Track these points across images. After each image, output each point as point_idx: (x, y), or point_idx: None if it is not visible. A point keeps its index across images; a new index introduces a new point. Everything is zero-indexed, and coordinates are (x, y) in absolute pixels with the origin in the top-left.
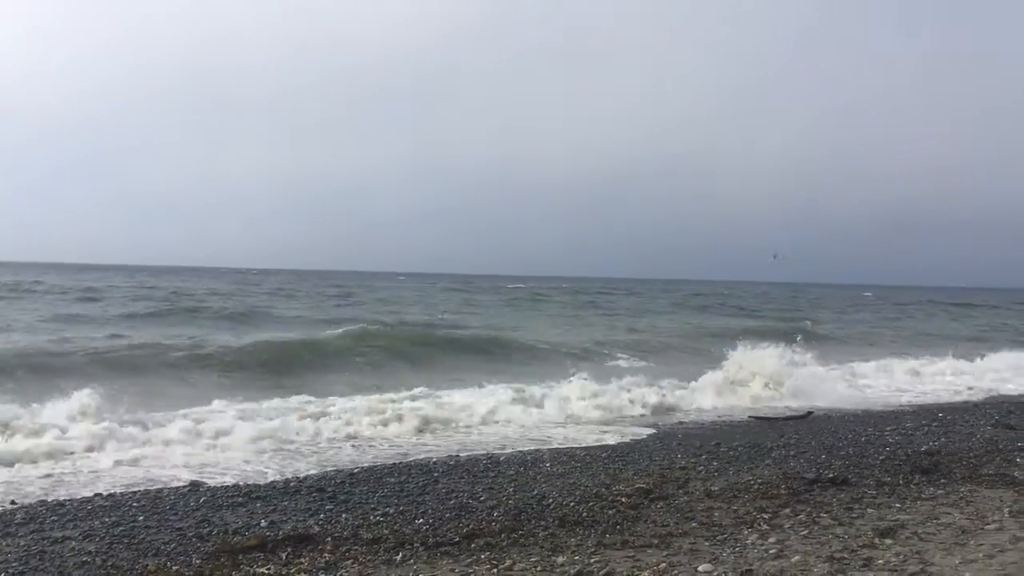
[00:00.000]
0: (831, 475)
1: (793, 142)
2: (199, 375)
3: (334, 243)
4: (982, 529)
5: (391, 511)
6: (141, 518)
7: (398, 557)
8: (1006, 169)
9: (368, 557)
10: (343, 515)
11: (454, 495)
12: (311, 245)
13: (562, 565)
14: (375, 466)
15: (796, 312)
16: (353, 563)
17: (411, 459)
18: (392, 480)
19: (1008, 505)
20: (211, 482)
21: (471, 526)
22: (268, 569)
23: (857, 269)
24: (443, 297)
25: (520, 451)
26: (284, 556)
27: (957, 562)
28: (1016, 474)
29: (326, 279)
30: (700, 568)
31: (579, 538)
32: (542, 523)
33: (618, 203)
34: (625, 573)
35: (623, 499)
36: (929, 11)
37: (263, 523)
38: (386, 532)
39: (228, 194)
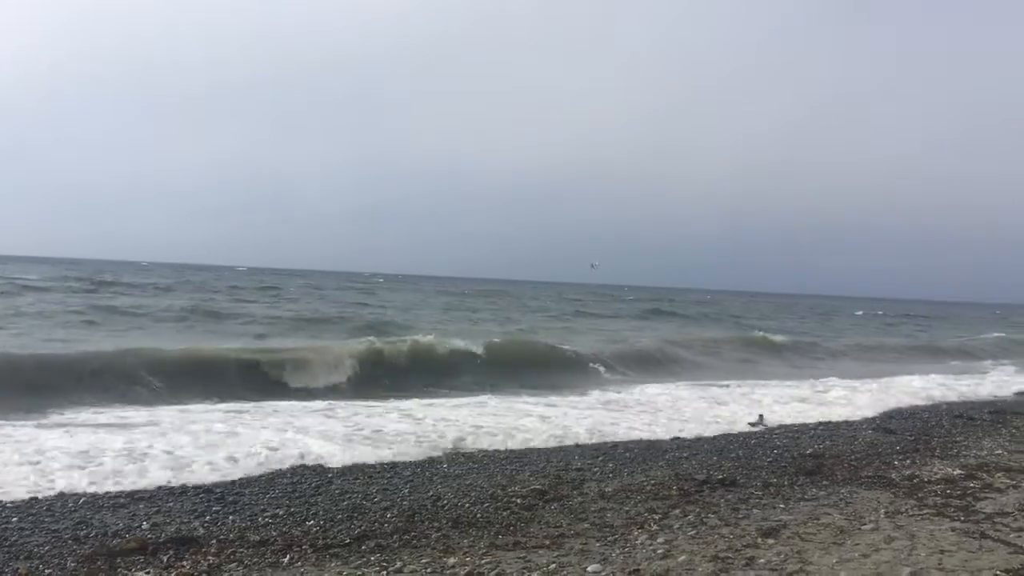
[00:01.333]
0: (720, 476)
1: (736, 148)
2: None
3: (266, 241)
4: (859, 529)
5: (281, 512)
6: (15, 519)
7: (285, 559)
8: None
9: (254, 560)
10: (231, 517)
11: (347, 496)
12: (240, 243)
13: (453, 567)
14: (269, 469)
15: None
16: (238, 566)
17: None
18: (284, 481)
19: (884, 506)
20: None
21: (363, 527)
22: (147, 573)
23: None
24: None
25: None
26: (165, 559)
27: (834, 561)
28: (893, 476)
29: (252, 276)
30: (589, 568)
31: (472, 539)
32: (435, 524)
33: (556, 206)
34: (515, 574)
35: (518, 500)
36: (894, 10)
37: (145, 525)
38: (274, 534)
39: (157, 188)
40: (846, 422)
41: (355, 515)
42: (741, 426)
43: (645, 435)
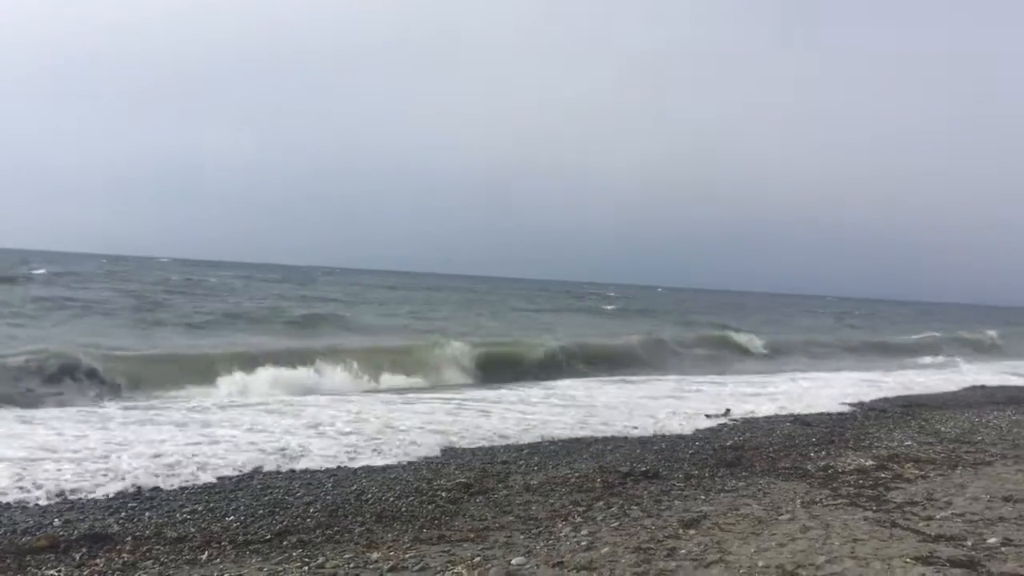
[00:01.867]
0: (644, 468)
1: (659, 149)
2: None
3: (188, 232)
4: (776, 519)
5: (200, 508)
6: None
7: (203, 556)
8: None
9: (171, 557)
10: (147, 513)
11: (269, 491)
12: (158, 234)
13: (376, 561)
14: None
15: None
16: (154, 563)
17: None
18: (205, 477)
19: (800, 496)
20: None
21: (285, 523)
22: (59, 571)
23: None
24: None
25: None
26: (78, 557)
27: (752, 551)
28: (809, 467)
29: (181, 268)
30: (513, 561)
31: (396, 533)
32: (359, 519)
33: (504, 200)
34: (439, 567)
35: (443, 494)
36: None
37: (57, 522)
38: (192, 530)
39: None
40: (765, 417)
41: (277, 510)
42: (673, 421)
43: (579, 431)
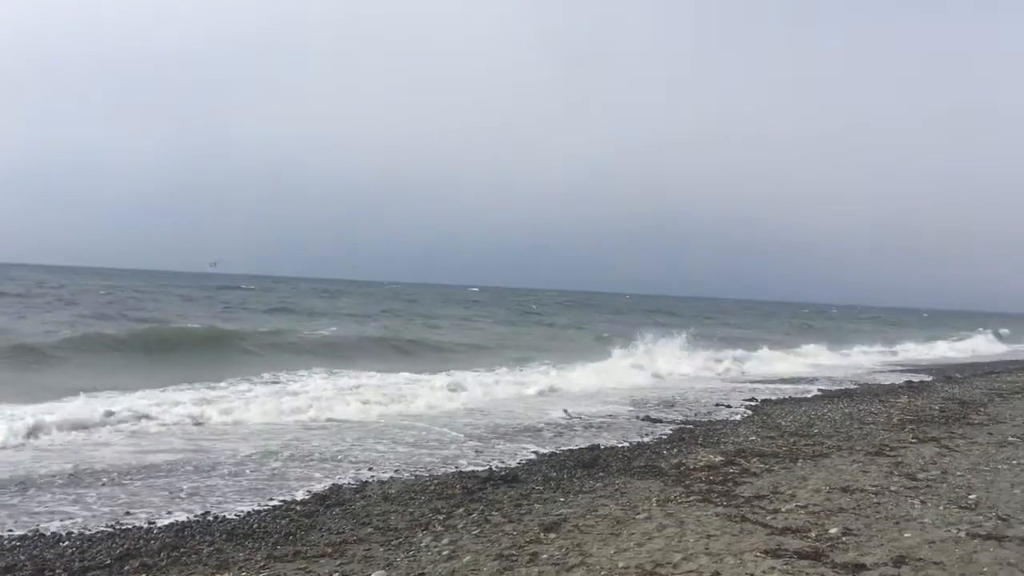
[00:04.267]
0: (503, 473)
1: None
2: None
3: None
4: (634, 519)
5: (29, 533)
6: None
7: None
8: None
9: None
10: None
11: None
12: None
13: None
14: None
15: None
16: None
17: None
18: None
19: (655, 494)
20: None
21: (126, 546)
22: None
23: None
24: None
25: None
26: None
27: (612, 552)
28: (662, 465)
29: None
30: (373, 575)
31: (248, 552)
32: (208, 538)
33: (375, 205)
34: None
35: (297, 507)
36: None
37: None
38: (22, 559)
39: None
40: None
41: (117, 532)
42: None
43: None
